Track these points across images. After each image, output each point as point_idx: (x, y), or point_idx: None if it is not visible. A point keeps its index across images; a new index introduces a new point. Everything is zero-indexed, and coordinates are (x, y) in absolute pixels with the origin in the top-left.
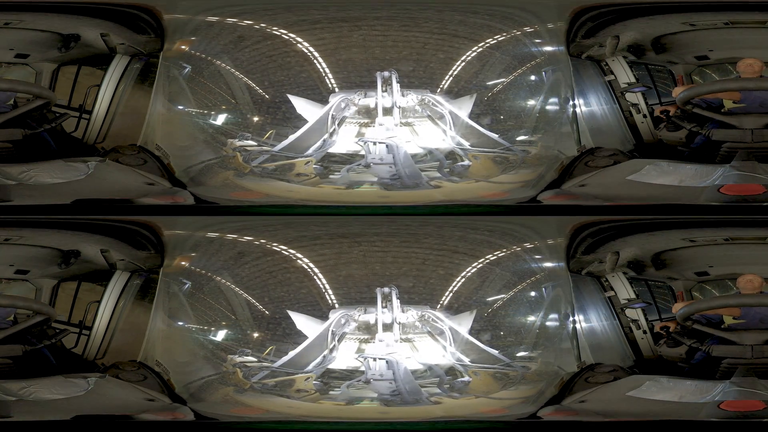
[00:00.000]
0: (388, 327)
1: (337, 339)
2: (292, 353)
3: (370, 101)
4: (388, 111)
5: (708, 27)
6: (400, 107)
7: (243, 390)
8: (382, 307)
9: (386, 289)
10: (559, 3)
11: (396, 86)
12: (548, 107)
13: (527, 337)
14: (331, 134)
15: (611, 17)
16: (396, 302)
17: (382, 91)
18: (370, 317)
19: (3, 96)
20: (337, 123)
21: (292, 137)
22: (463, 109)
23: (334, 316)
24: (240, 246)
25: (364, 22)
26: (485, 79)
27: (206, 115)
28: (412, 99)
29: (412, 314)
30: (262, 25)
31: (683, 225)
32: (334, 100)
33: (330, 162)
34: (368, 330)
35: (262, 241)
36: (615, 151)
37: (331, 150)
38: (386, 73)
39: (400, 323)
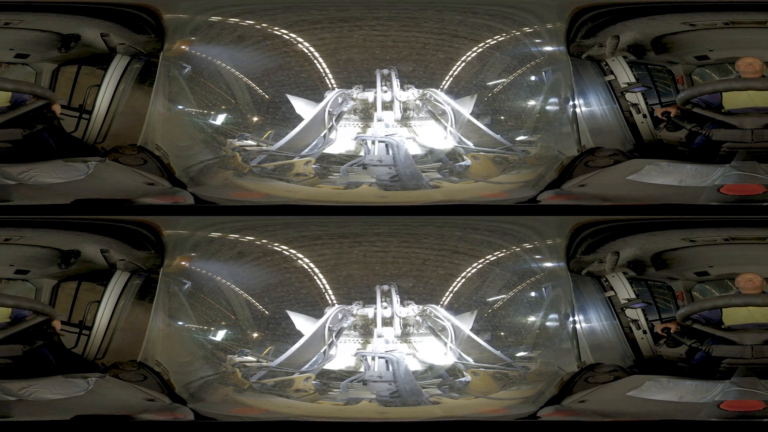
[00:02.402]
0: (387, 323)
1: (334, 335)
2: (288, 351)
3: (368, 95)
4: (387, 107)
5: (708, 27)
6: (400, 101)
7: (242, 390)
8: (382, 304)
9: (385, 287)
10: (559, 3)
11: (396, 83)
12: (548, 107)
13: (527, 337)
14: (330, 130)
15: (611, 17)
16: (396, 298)
17: (382, 87)
18: (368, 311)
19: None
20: (334, 119)
21: (288, 136)
22: (464, 109)
23: (330, 311)
24: (240, 246)
25: (364, 22)
26: (485, 80)
27: (206, 115)
28: (412, 93)
29: (413, 308)
30: (263, 25)
31: (683, 225)
32: (330, 95)
33: (329, 162)
34: (369, 332)
35: (264, 241)
36: (615, 151)
37: (331, 150)
38: (385, 71)
39: (401, 317)
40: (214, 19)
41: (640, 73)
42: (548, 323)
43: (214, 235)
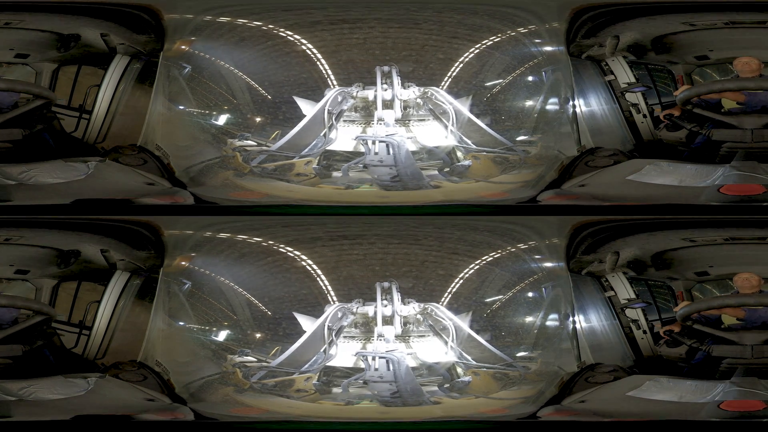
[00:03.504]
0: (388, 321)
1: (334, 334)
2: (288, 351)
3: (368, 93)
4: (388, 106)
5: (708, 27)
6: (401, 100)
7: (243, 390)
8: (382, 301)
9: (386, 284)
10: (559, 3)
11: (396, 80)
12: (548, 107)
13: (527, 337)
14: (330, 129)
15: (611, 17)
16: (396, 296)
17: (382, 85)
18: (368, 309)
19: (6, 97)
20: (334, 118)
21: (288, 135)
22: (464, 109)
23: (330, 309)
24: (240, 246)
25: (364, 23)
26: (485, 80)
27: (206, 115)
28: (413, 91)
29: (413, 307)
30: (264, 25)
31: (683, 225)
32: (329, 93)
33: (330, 162)
34: (370, 331)
35: (264, 241)
36: (615, 151)
37: (331, 149)
38: (386, 68)
39: (401, 316)
40: (215, 19)
41: (640, 73)
42: (548, 323)
43: (215, 235)
